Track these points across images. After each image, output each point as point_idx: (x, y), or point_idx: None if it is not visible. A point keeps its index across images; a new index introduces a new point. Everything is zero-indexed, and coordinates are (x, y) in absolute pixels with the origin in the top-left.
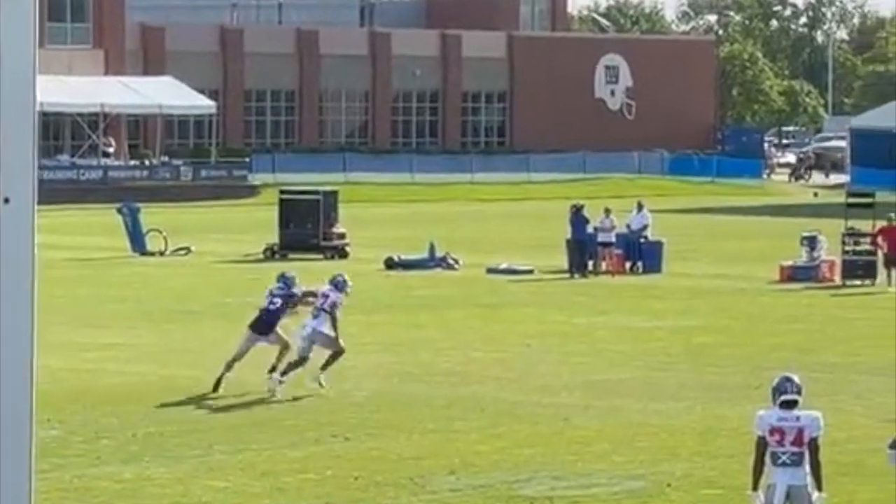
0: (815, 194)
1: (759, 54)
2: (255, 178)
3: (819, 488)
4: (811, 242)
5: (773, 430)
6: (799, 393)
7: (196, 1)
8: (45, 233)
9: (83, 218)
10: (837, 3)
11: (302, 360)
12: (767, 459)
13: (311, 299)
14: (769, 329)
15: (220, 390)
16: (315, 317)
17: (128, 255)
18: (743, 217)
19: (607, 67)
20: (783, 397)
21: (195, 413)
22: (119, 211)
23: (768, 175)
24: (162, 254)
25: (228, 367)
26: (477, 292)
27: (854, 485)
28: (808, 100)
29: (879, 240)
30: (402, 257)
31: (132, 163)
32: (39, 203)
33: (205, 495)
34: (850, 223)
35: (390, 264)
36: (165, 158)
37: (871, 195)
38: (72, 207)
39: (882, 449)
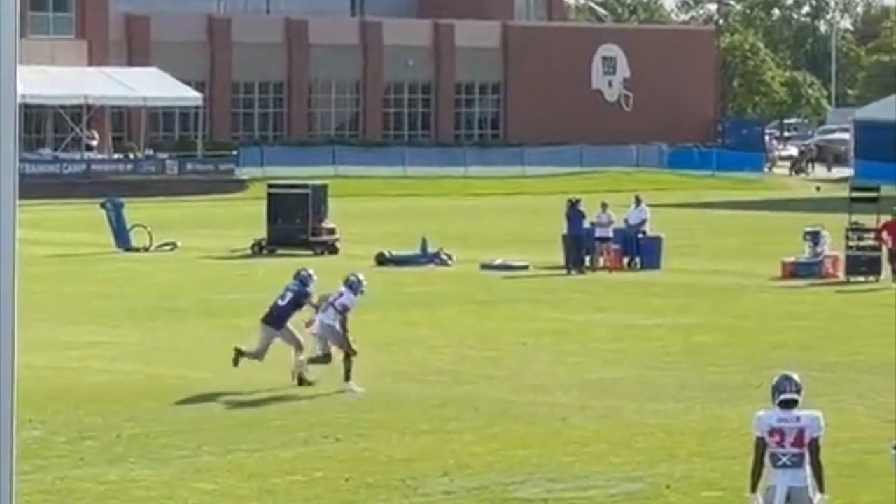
0: (818, 188)
1: (761, 44)
2: (243, 172)
3: (821, 490)
4: (814, 238)
5: (772, 431)
6: (798, 392)
7: None
8: (26, 228)
9: (66, 213)
10: None
11: (325, 357)
12: (767, 461)
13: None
14: (771, 327)
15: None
16: (323, 310)
17: (112, 251)
18: (744, 212)
19: (604, 58)
20: (782, 396)
21: (182, 413)
22: (103, 206)
23: (770, 168)
24: (147, 249)
25: (252, 356)
26: (471, 289)
27: (856, 486)
28: (810, 91)
29: (884, 235)
30: (394, 253)
31: (116, 156)
32: (21, 198)
33: (192, 498)
34: (854, 218)
35: (381, 260)
36: (150, 152)
37: (876, 189)
38: (54, 202)
39: (885, 450)
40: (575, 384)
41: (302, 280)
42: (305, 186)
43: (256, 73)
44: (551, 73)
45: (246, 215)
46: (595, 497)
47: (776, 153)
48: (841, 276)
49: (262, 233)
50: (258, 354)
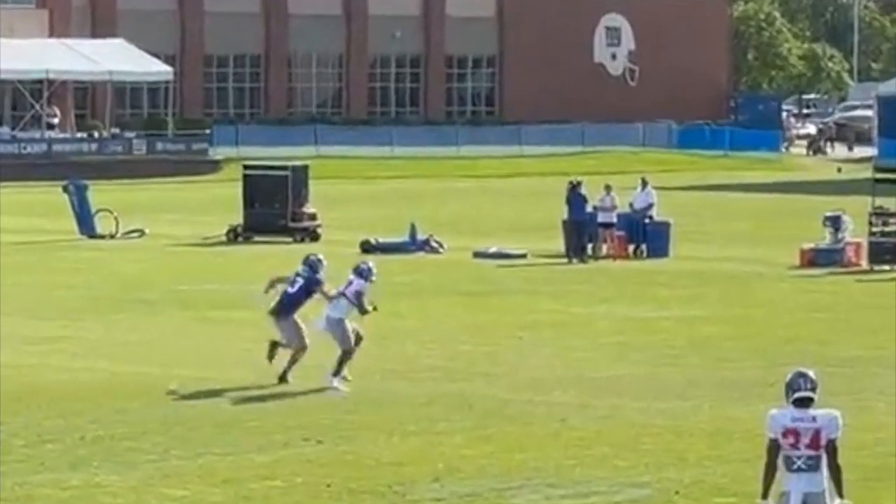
0: (839, 169)
1: (777, 14)
2: (217, 153)
3: (840, 495)
4: (835, 223)
5: (786, 432)
6: (814, 390)
7: None
8: None
9: (25, 196)
10: None
11: (346, 353)
12: (780, 464)
13: (334, 293)
14: (787, 319)
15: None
16: (332, 306)
17: (75, 238)
18: (759, 194)
19: (608, 28)
20: (797, 394)
21: (149, 413)
22: (65, 189)
23: (787, 148)
24: (112, 236)
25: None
26: (463, 279)
27: (878, 490)
28: (830, 64)
29: None
30: (380, 240)
31: (79, 135)
32: None
33: None
34: (878, 201)
35: (367, 248)
36: (116, 130)
37: None
38: (12, 185)
39: None
40: (575, 381)
41: (311, 265)
42: (284, 168)
43: (231, 45)
44: (550, 44)
45: (220, 199)
46: None
47: (794, 131)
48: (864, 264)
49: (237, 218)
50: (292, 342)
